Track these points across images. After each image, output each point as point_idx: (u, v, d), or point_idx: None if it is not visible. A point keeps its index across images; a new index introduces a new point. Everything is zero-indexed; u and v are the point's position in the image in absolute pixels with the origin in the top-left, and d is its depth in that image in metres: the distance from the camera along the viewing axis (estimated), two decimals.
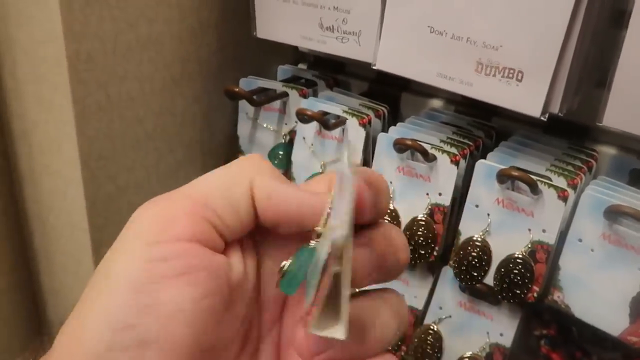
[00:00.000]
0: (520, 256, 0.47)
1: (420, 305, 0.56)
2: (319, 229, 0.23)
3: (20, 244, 0.59)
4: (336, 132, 0.58)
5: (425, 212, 0.52)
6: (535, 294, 0.47)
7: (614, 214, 0.43)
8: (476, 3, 0.43)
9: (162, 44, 0.55)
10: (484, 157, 0.50)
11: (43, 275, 0.61)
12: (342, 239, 0.20)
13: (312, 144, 0.60)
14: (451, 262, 0.51)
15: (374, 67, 0.51)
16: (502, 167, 0.47)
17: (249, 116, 0.65)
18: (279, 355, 0.26)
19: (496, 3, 0.42)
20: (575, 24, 0.41)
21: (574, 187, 0.47)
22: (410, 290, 0.57)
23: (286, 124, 0.64)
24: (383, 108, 0.60)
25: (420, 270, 0.57)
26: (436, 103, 0.63)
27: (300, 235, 0.24)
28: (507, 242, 0.48)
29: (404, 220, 0.53)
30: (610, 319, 0.45)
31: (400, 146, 0.51)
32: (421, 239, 0.51)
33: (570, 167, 0.50)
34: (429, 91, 0.63)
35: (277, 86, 0.63)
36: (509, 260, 0.48)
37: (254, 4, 0.57)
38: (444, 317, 0.54)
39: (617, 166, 0.53)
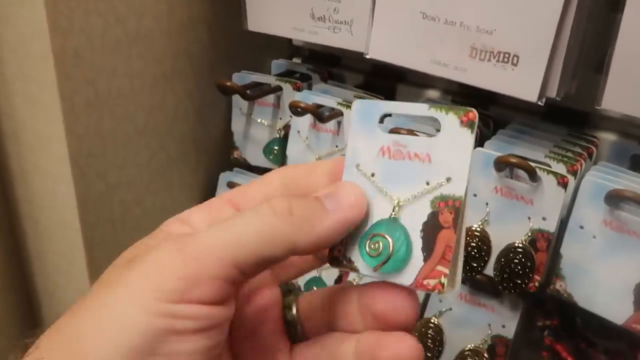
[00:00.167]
0: (520, 245, 0.46)
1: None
2: (395, 201, 0.25)
3: (13, 244, 0.58)
4: (331, 124, 0.57)
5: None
6: (536, 284, 0.46)
7: (615, 199, 0.42)
8: None
9: (151, 38, 0.54)
10: (482, 146, 0.49)
11: (37, 276, 0.60)
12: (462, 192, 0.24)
13: (306, 138, 0.59)
14: None
15: (366, 57, 0.50)
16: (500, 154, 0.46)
17: (242, 111, 0.64)
18: None
19: None
20: (571, 5, 0.40)
21: (574, 174, 0.46)
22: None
23: (280, 118, 0.63)
24: (378, 99, 0.59)
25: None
26: (432, 94, 0.62)
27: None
28: (507, 232, 0.47)
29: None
30: (614, 307, 0.44)
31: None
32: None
33: (569, 154, 0.49)
34: (424, 82, 0.62)
35: (271, 80, 0.62)
36: (509, 250, 0.46)
37: None
38: (444, 310, 0.53)
39: (618, 152, 0.52)
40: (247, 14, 0.57)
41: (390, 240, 0.24)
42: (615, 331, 0.49)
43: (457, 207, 0.24)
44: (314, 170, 0.27)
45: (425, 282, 0.24)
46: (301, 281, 0.59)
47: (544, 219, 0.46)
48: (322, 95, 0.58)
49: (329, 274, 0.58)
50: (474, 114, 0.24)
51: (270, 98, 0.63)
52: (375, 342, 0.25)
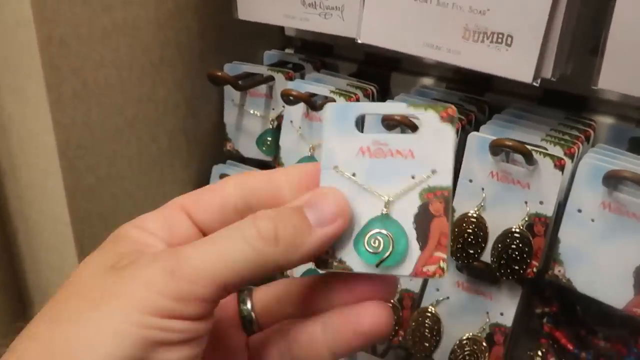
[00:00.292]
0: (517, 230, 0.45)
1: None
2: (385, 198, 0.25)
3: (3, 239, 0.57)
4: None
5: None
6: (534, 269, 0.45)
7: (613, 180, 0.41)
8: None
9: (138, 28, 0.53)
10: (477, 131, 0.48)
11: (29, 273, 0.59)
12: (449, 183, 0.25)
13: (299, 127, 0.58)
14: None
15: (358, 42, 0.49)
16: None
17: (235, 102, 0.63)
18: None
19: None
20: None
21: (571, 157, 0.45)
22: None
23: (273, 109, 0.62)
24: (372, 87, 0.58)
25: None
26: (427, 81, 0.61)
27: None
28: (503, 217, 0.46)
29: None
30: (614, 291, 0.43)
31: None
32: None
33: (566, 137, 0.48)
34: (418, 69, 0.61)
35: (263, 70, 0.62)
36: (506, 235, 0.46)
37: None
38: (441, 298, 0.52)
39: (616, 135, 0.51)
40: (237, 2, 0.56)
41: (390, 235, 0.25)
42: (615, 318, 0.49)
43: (446, 197, 0.25)
44: (276, 179, 0.27)
45: (425, 269, 0.25)
46: (297, 272, 0.58)
47: (541, 203, 0.45)
48: (315, 84, 0.57)
49: None
50: (452, 109, 0.25)
51: (263, 88, 0.62)
52: (351, 315, 0.25)
